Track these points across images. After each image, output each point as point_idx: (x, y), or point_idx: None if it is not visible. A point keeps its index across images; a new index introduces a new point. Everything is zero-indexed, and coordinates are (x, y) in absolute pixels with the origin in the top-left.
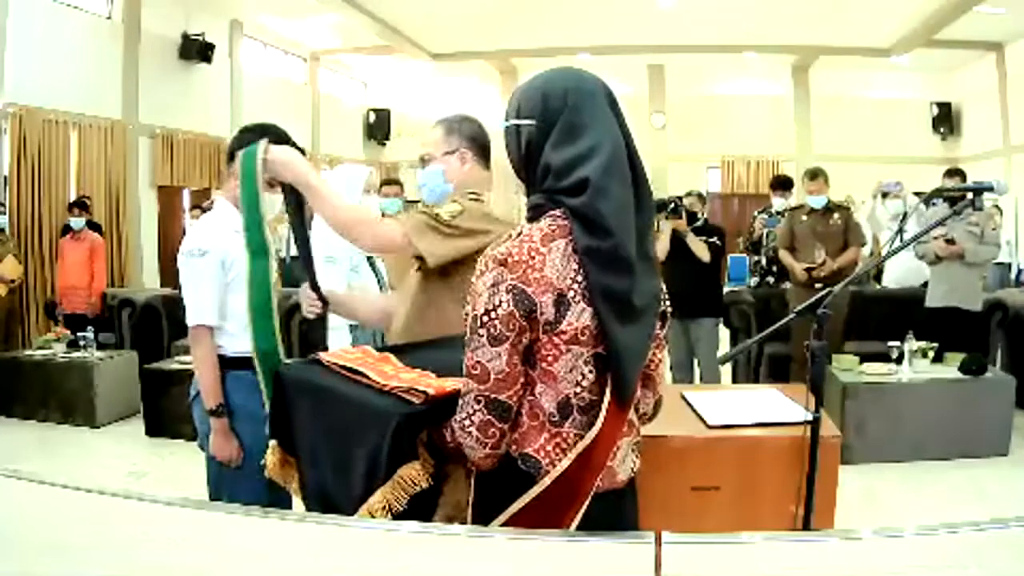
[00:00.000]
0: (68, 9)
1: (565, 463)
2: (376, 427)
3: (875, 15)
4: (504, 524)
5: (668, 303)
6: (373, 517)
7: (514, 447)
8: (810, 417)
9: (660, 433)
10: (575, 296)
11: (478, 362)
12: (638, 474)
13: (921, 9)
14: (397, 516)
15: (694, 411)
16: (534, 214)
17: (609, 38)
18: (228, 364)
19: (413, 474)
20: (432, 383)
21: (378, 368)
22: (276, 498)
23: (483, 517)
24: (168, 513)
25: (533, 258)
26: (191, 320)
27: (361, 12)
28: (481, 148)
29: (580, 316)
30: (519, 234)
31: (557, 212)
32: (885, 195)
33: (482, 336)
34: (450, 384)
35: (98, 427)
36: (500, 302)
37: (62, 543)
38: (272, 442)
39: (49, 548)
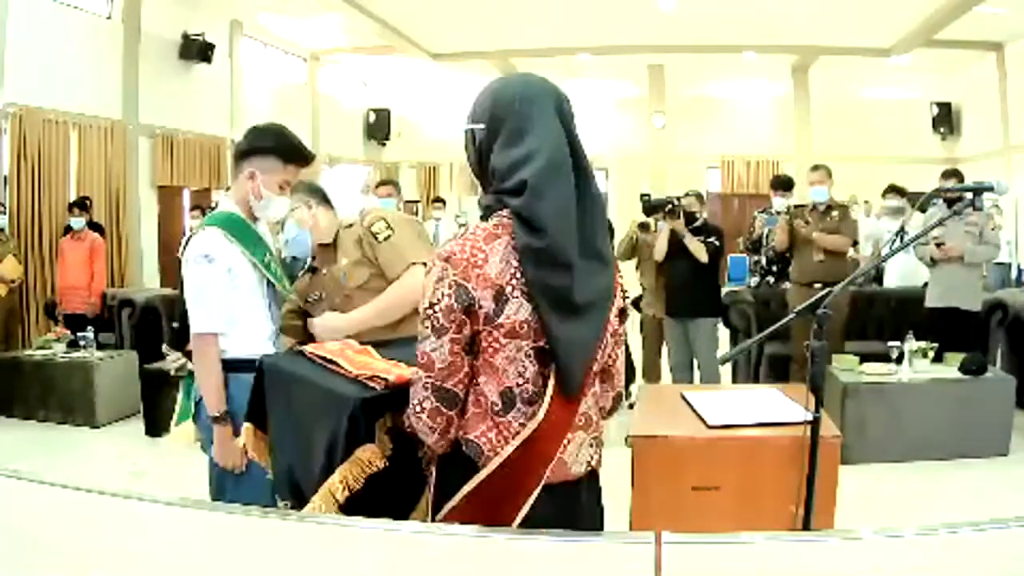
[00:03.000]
0: (68, 9)
1: (508, 450)
2: (336, 410)
3: (875, 15)
4: (452, 511)
5: (627, 300)
6: (333, 496)
7: (461, 432)
8: (810, 417)
9: (660, 433)
10: (513, 291)
11: (425, 352)
12: (598, 467)
13: (921, 9)
14: (354, 495)
15: (694, 411)
16: (485, 213)
17: (609, 38)
18: (230, 367)
19: (370, 455)
20: (394, 371)
21: (353, 359)
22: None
23: (442, 499)
24: (168, 513)
25: (475, 255)
26: (197, 328)
27: (361, 12)
28: (316, 192)
29: (518, 311)
30: (464, 233)
31: (503, 212)
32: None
33: (427, 328)
34: (410, 372)
35: (98, 427)
36: (442, 296)
37: (62, 543)
38: (247, 424)
39: (49, 548)
